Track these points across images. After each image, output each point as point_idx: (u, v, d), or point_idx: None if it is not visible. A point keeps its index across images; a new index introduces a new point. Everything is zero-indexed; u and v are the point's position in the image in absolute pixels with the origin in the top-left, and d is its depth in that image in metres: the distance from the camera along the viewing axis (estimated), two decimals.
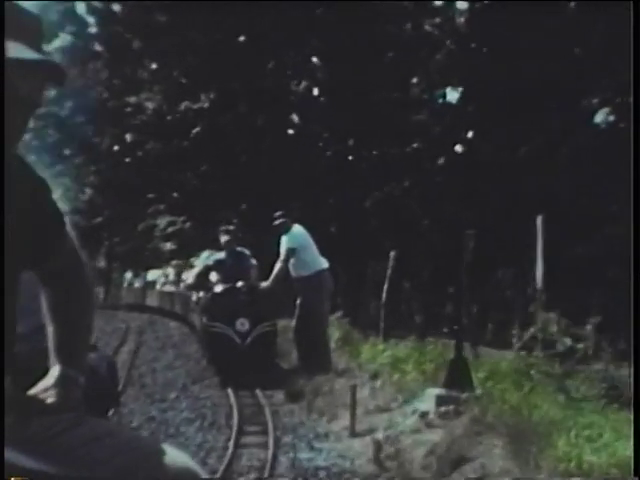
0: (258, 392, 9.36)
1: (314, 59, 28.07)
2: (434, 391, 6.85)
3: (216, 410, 8.53)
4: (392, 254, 11.13)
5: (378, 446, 6.23)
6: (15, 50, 1.51)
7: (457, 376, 6.75)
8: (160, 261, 30.45)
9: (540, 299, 7.42)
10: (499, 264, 27.70)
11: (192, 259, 21.54)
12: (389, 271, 11.14)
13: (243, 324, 10.04)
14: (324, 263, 9.80)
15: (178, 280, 20.78)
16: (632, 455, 3.83)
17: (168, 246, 30.01)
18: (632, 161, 4.21)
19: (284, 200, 26.61)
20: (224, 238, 10.77)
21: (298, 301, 9.91)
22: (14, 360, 1.58)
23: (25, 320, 1.72)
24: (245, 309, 10.09)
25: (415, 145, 27.95)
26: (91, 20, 30.93)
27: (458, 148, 27.94)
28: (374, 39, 24.62)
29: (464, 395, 6.59)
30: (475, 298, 11.51)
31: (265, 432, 7.41)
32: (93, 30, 31.21)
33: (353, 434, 7.07)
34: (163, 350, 14.03)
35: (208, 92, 26.86)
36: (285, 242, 9.75)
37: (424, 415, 6.62)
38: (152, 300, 27.70)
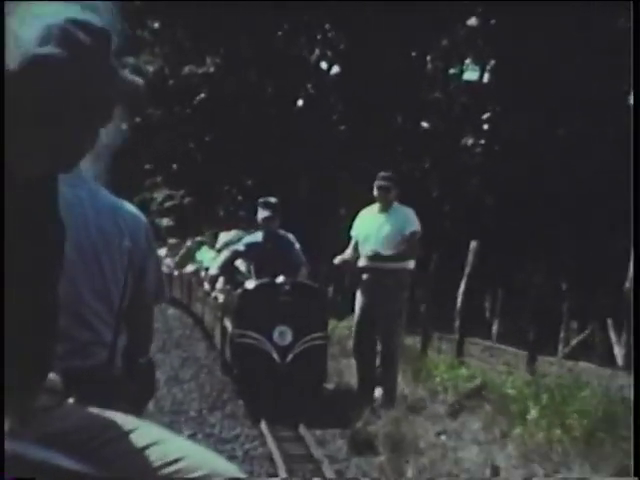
0: (304, 432, 6.72)
1: (327, 26, 26.42)
2: None
3: (252, 465, 5.87)
4: (473, 245, 8.44)
5: None
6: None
7: None
8: (156, 238, 28.38)
9: None
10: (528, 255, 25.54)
11: (198, 238, 19.10)
12: (468, 269, 8.48)
13: (283, 334, 7.29)
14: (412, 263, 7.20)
15: (182, 262, 18.33)
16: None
17: (165, 222, 28.69)
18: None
19: (292, 176, 24.48)
20: (263, 214, 7.82)
21: (362, 298, 7.29)
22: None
23: None
24: (287, 314, 7.35)
25: (432, 124, 26.10)
26: None
27: (481, 128, 26.12)
28: (391, 8, 22.43)
29: None
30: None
31: None
32: None
33: None
34: (165, 351, 11.32)
35: (214, 56, 25.51)
36: (408, 223, 7.26)
37: None
38: None
